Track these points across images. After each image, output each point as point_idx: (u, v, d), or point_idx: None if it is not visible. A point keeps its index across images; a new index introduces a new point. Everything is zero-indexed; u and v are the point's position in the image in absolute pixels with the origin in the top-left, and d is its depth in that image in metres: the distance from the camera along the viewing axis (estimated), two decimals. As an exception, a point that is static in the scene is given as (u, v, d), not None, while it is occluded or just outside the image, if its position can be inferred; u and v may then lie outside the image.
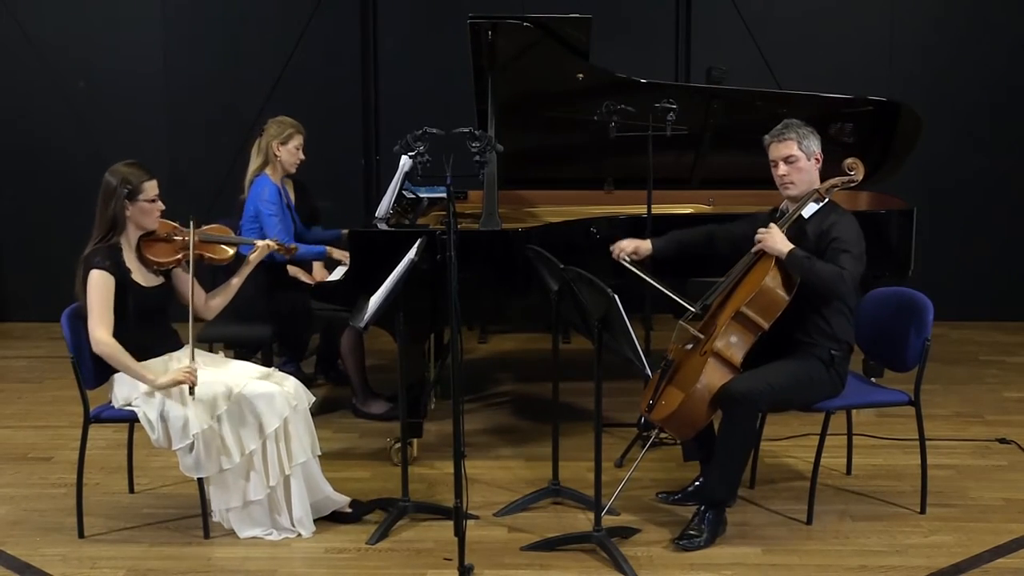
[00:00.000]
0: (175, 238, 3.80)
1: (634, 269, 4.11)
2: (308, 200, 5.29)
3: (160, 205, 3.74)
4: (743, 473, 3.81)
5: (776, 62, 6.59)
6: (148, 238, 3.76)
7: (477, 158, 3.45)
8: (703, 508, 3.71)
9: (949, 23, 6.64)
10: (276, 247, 4.08)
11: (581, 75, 4.84)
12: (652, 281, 4.04)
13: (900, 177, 5.31)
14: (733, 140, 5.24)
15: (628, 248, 4.15)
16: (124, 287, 3.65)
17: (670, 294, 3.94)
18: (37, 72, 6.76)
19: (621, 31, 6.57)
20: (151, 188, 3.69)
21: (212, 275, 4.63)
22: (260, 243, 4.03)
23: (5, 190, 6.93)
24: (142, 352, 3.69)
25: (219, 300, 3.95)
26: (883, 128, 5.21)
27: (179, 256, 3.78)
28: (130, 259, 3.72)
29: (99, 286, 3.61)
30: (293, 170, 4.96)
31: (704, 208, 5.41)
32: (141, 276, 3.73)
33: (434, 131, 3.47)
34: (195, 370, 3.59)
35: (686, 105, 4.70)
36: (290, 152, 4.89)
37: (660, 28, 6.79)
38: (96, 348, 3.61)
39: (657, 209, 4.61)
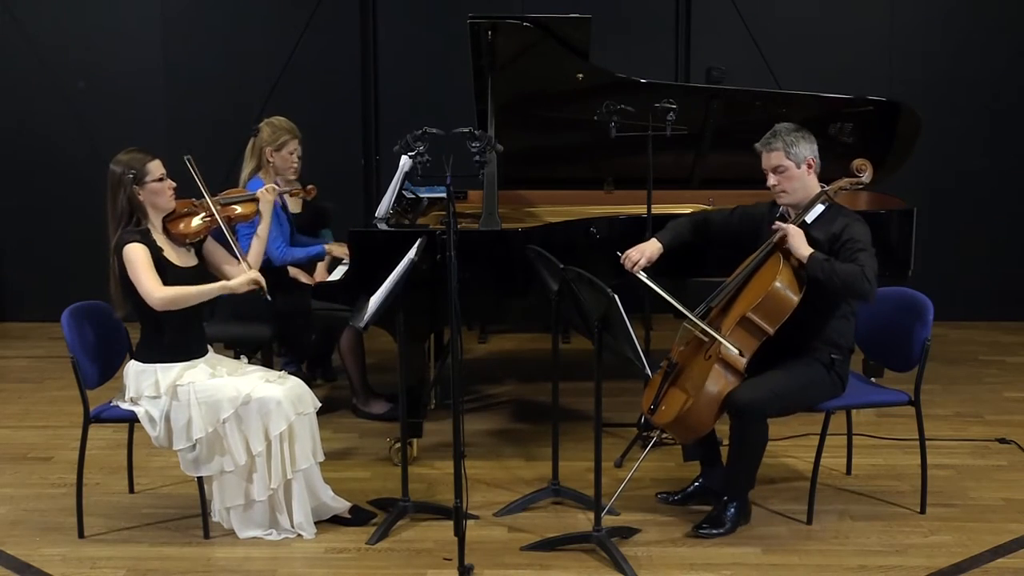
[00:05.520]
0: (197, 210, 3.82)
1: (650, 284, 3.85)
2: (317, 202, 5.28)
3: (171, 183, 3.74)
4: (756, 474, 3.81)
5: (776, 62, 6.59)
6: (171, 217, 3.77)
7: (477, 158, 3.45)
8: (726, 499, 3.74)
9: (949, 23, 6.64)
10: (281, 188, 4.31)
11: (581, 75, 4.83)
12: (669, 298, 3.74)
13: (900, 177, 5.31)
14: (733, 140, 5.23)
15: (640, 260, 3.94)
16: (160, 264, 3.64)
17: (685, 311, 3.73)
18: (37, 72, 6.76)
19: (621, 31, 6.56)
20: (156, 168, 3.69)
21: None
22: (260, 192, 4.10)
23: (5, 190, 6.93)
24: (173, 352, 3.69)
25: (252, 258, 3.95)
26: (883, 128, 5.21)
27: (207, 224, 3.80)
28: (160, 240, 3.71)
29: (138, 255, 3.58)
30: (289, 175, 4.92)
31: (704, 208, 5.40)
32: (175, 255, 3.72)
33: (434, 131, 3.47)
34: (261, 277, 3.72)
35: (686, 105, 4.69)
36: (284, 158, 4.81)
37: (660, 28, 6.79)
38: (160, 304, 3.56)
39: (657, 209, 4.61)
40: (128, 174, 3.64)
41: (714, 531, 3.69)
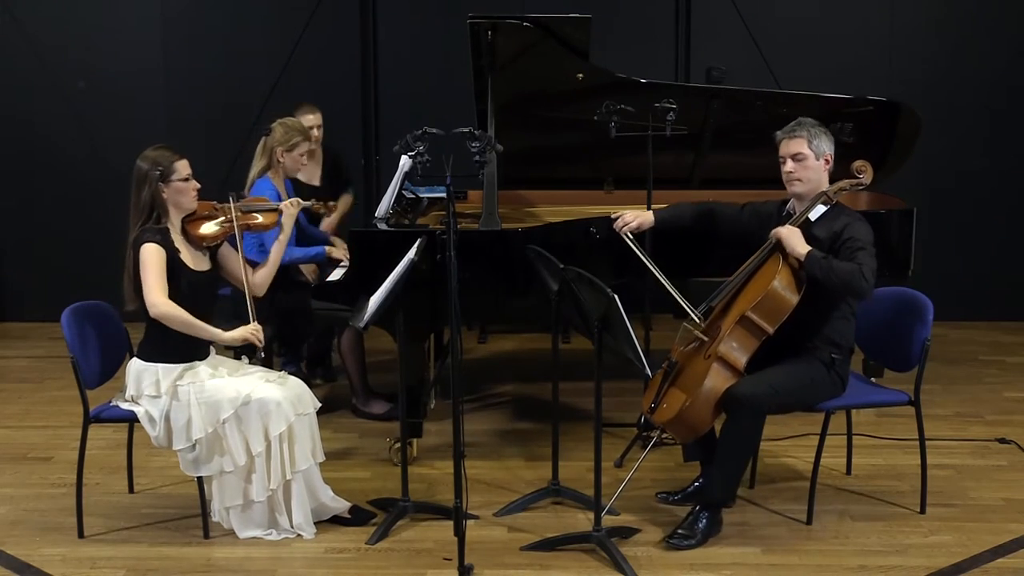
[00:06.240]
0: (217, 214, 3.82)
1: (635, 247, 3.96)
2: (341, 170, 5.43)
3: (195, 184, 3.74)
4: (743, 475, 3.81)
5: (776, 62, 6.59)
6: (191, 218, 3.77)
7: (477, 158, 3.45)
8: (698, 508, 3.71)
9: (949, 23, 6.64)
10: (307, 204, 4.25)
11: (581, 75, 4.83)
12: (651, 265, 3.86)
13: (900, 177, 5.31)
14: (733, 140, 5.25)
15: (632, 223, 4.05)
16: (174, 266, 3.65)
17: (669, 287, 3.81)
18: (37, 72, 6.76)
19: (621, 31, 6.57)
20: (183, 167, 3.69)
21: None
22: (283, 205, 4.06)
23: (5, 190, 6.93)
24: (176, 353, 3.69)
25: (265, 272, 3.97)
26: (883, 128, 5.21)
27: (225, 230, 3.80)
28: (178, 240, 3.72)
29: (152, 257, 3.59)
30: (296, 175, 4.93)
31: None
32: (190, 258, 3.72)
33: (434, 131, 3.47)
34: (260, 329, 3.68)
35: (686, 105, 4.70)
36: (294, 159, 4.82)
37: (660, 28, 6.79)
38: (155, 311, 3.57)
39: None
40: (155, 171, 3.65)
41: (685, 542, 3.64)
